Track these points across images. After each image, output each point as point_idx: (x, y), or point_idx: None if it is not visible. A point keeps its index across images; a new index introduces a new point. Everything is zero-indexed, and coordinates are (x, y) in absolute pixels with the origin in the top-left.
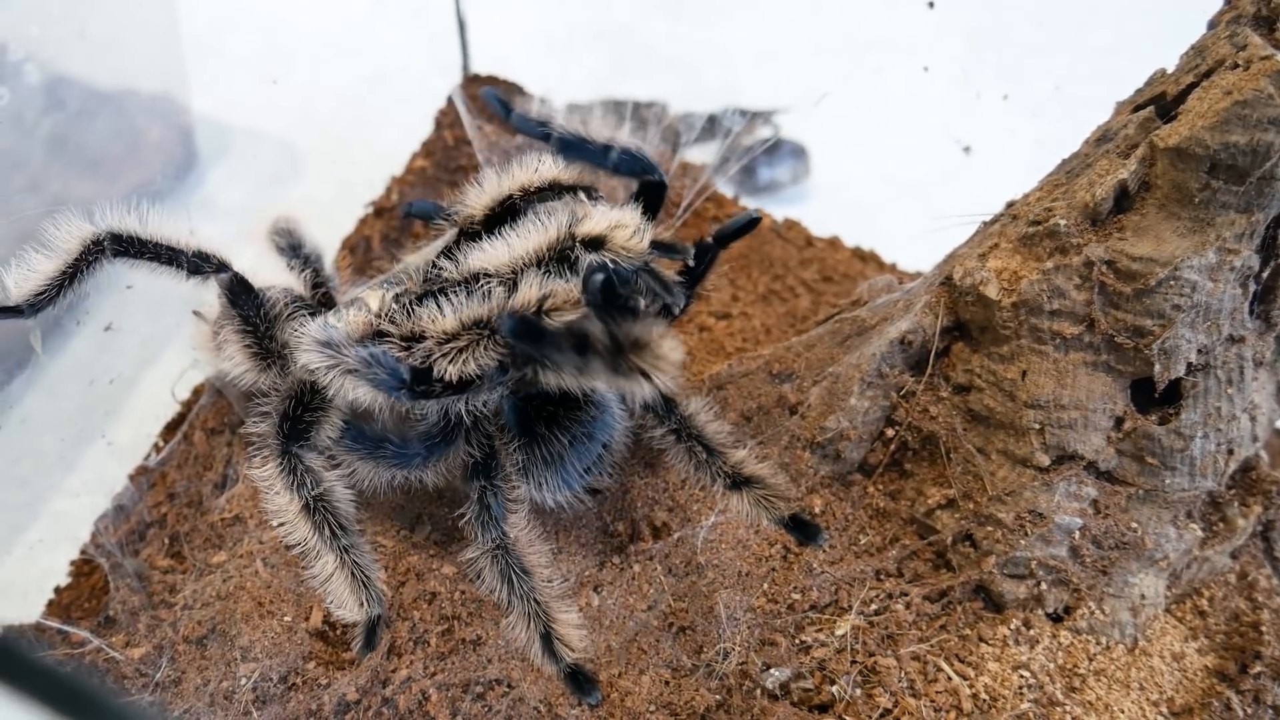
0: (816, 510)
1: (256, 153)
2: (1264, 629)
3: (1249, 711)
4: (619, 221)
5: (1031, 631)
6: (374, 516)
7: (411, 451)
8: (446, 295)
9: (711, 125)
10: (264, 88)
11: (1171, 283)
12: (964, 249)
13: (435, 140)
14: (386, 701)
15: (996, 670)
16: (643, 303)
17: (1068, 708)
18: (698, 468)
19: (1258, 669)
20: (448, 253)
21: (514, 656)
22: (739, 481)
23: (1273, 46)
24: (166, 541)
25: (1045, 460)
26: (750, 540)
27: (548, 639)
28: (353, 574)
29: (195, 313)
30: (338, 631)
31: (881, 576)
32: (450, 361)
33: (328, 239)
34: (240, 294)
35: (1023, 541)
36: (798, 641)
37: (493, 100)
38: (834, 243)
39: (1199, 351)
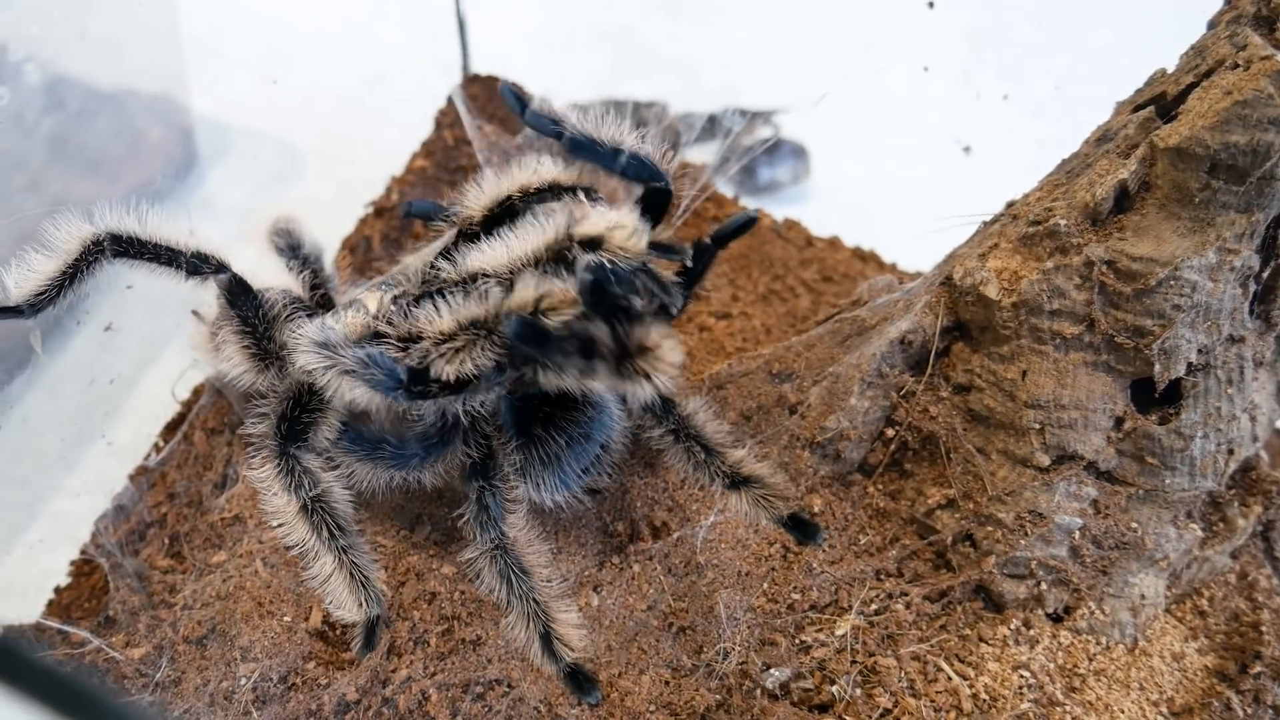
0: (816, 510)
1: (256, 153)
2: (1264, 629)
3: (1249, 711)
4: (617, 222)
5: (1031, 631)
6: (374, 517)
7: (409, 452)
8: (444, 296)
9: (711, 125)
10: (264, 88)
11: (1171, 283)
12: (964, 249)
13: (435, 140)
14: (386, 701)
15: (996, 670)
16: (640, 303)
17: (1068, 708)
18: (696, 467)
19: (1258, 669)
20: (446, 254)
21: (514, 657)
22: (737, 481)
23: (1273, 46)
24: (166, 541)
25: (1045, 460)
26: (750, 540)
27: (547, 639)
28: (351, 574)
29: (195, 313)
30: (337, 631)
31: (881, 576)
32: (447, 362)
33: (328, 239)
34: (239, 295)
35: (1023, 541)
36: (798, 641)
37: (509, 95)
38: (834, 243)
39: (1199, 351)
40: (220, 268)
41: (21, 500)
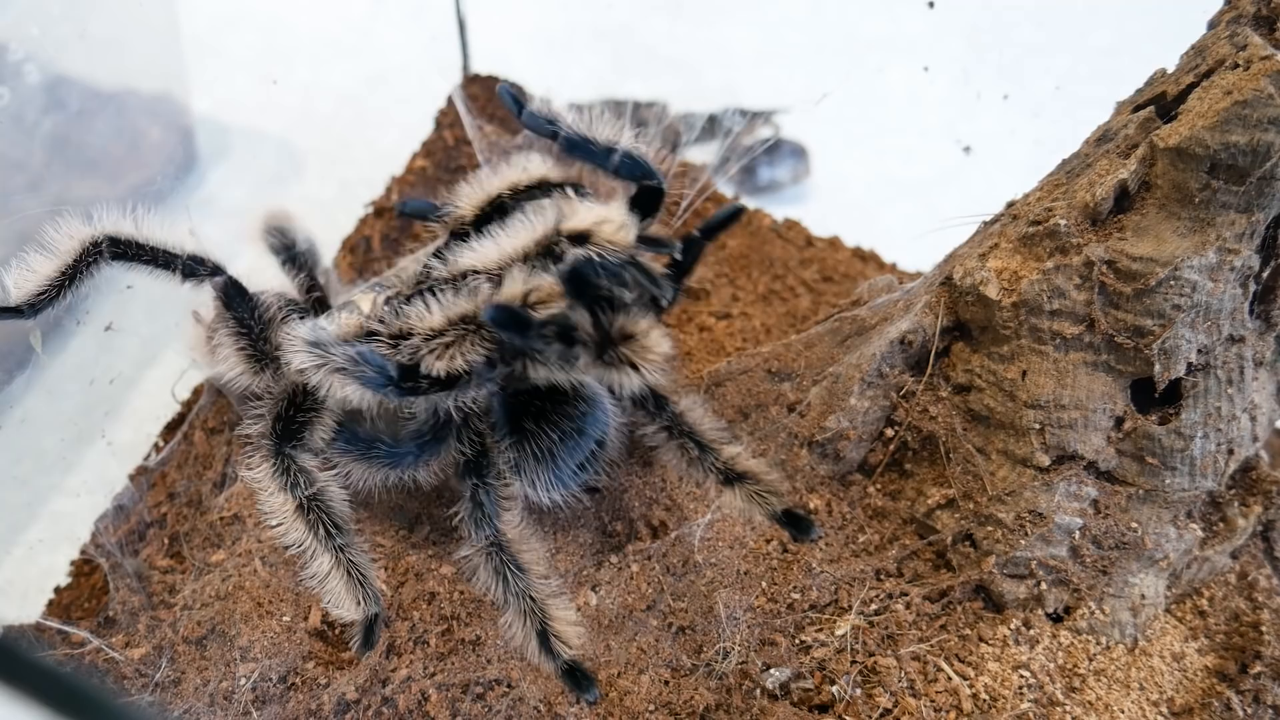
0: (816, 509)
1: (256, 153)
2: (1264, 629)
3: (1249, 711)
4: (604, 217)
5: (1031, 631)
6: (372, 517)
7: (404, 451)
8: (434, 294)
9: (711, 125)
10: (264, 88)
11: (1171, 283)
12: (964, 249)
13: (435, 140)
14: (386, 701)
15: (996, 670)
16: (628, 295)
17: (1068, 708)
18: (690, 464)
19: (1258, 669)
20: (438, 253)
21: (513, 656)
22: (732, 477)
23: (1273, 46)
24: (166, 541)
25: (1045, 460)
26: (747, 537)
27: (544, 636)
28: (349, 573)
29: (195, 314)
30: (336, 631)
31: (881, 576)
32: (437, 357)
33: (328, 239)
34: (234, 297)
35: (1023, 541)
36: (798, 641)
37: (507, 96)
38: (834, 243)
39: (1199, 351)
40: (216, 270)
41: (21, 500)
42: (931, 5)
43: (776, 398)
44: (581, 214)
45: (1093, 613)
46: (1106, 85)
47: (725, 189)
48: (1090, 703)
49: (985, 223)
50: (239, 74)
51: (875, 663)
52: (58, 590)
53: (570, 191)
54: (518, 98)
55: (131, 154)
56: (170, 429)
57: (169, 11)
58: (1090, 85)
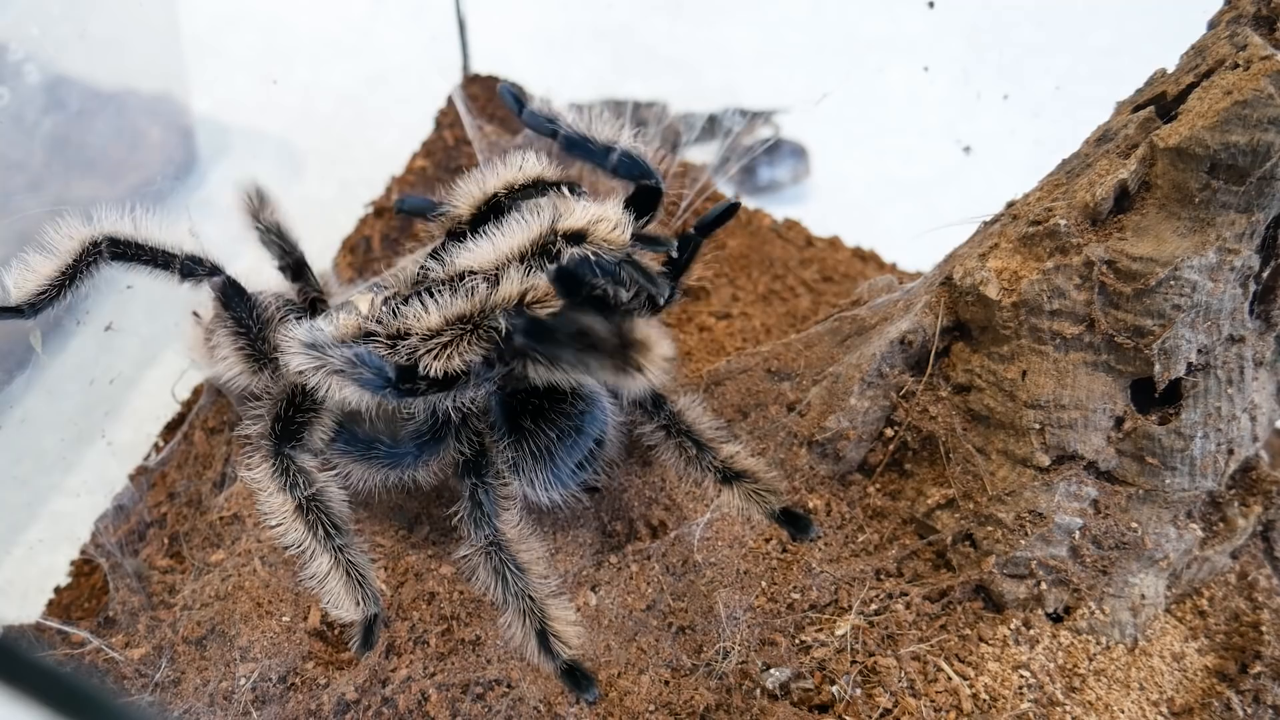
0: (815, 509)
1: (256, 153)
2: (1264, 629)
3: (1249, 711)
4: (600, 216)
5: (1031, 631)
6: (372, 516)
7: (403, 451)
8: (431, 294)
9: (711, 125)
10: (264, 88)
11: (1171, 283)
12: (964, 249)
13: (435, 140)
14: (386, 701)
15: (996, 670)
16: (625, 294)
17: (1068, 708)
18: (688, 463)
19: (1258, 669)
20: (436, 253)
21: (513, 656)
22: (730, 476)
23: (1273, 46)
24: (166, 541)
25: (1045, 460)
26: (747, 537)
27: (543, 635)
28: (348, 573)
29: (195, 314)
30: (336, 631)
31: (881, 576)
32: (435, 357)
33: (328, 239)
34: (232, 297)
35: (1023, 541)
36: (798, 641)
37: (508, 95)
38: (834, 243)
39: (1199, 351)
40: (214, 270)
41: (21, 500)
42: (931, 5)
43: (776, 397)
44: (577, 213)
45: (1093, 613)
46: (1106, 85)
47: (725, 189)
48: (1090, 703)
49: (985, 223)
50: (239, 74)
51: (875, 663)
52: (58, 590)
53: (566, 190)
54: (518, 97)
55: (131, 154)
56: (170, 429)
57: (169, 11)
58: (1090, 85)
